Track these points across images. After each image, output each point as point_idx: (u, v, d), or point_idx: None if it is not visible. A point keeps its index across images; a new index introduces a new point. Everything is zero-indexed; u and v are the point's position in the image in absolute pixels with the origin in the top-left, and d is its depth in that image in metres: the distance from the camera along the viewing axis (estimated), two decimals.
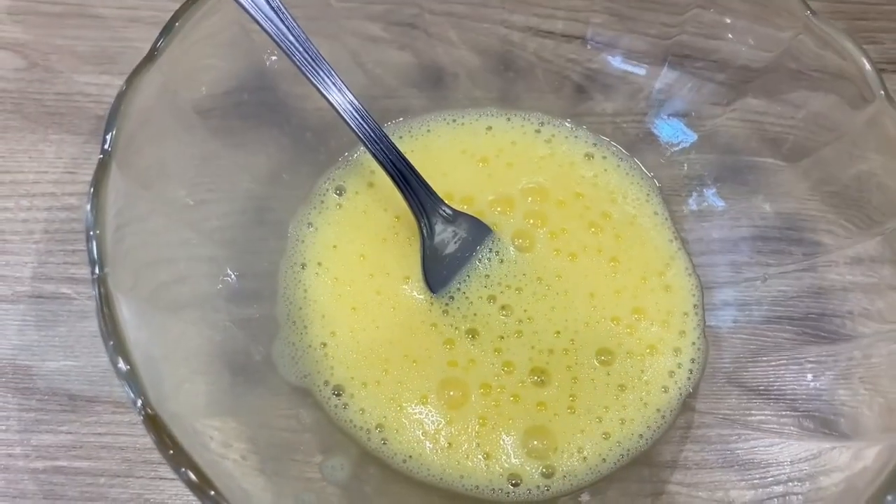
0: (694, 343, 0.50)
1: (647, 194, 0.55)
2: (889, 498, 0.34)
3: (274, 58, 0.49)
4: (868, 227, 0.46)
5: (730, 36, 0.50)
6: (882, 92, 0.42)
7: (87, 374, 0.49)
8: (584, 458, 0.47)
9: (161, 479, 0.46)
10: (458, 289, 0.51)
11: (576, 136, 0.56)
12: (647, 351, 0.50)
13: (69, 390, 0.48)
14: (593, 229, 0.53)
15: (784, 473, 0.44)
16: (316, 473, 0.45)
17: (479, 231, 0.51)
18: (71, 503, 0.46)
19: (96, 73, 0.58)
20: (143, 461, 0.47)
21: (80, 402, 0.48)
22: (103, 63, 0.58)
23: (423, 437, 0.47)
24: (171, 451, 0.32)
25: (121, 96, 0.38)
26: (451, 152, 0.55)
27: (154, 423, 0.33)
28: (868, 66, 0.42)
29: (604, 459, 0.47)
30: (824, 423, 0.45)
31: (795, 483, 0.43)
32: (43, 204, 0.53)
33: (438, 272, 0.50)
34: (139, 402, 0.33)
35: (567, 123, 0.57)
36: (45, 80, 0.57)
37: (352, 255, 0.51)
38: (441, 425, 0.47)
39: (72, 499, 0.46)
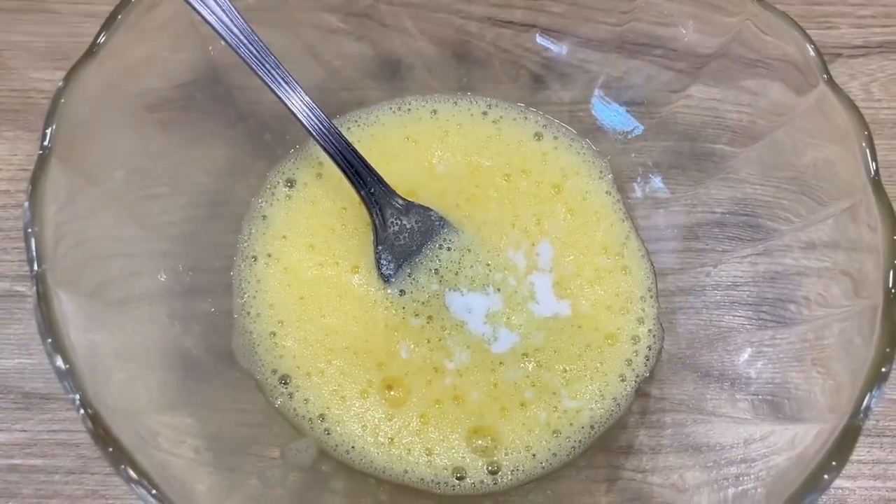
0: (651, 330, 0.50)
1: (601, 172, 0.54)
2: (833, 462, 0.35)
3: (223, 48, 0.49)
4: (821, 211, 0.46)
5: (680, 21, 0.50)
6: (825, 76, 0.42)
7: (41, 371, 0.48)
8: (533, 455, 0.47)
9: (116, 475, 0.46)
10: (409, 279, 0.50)
11: (525, 118, 0.56)
12: (607, 341, 0.50)
13: (23, 388, 0.48)
14: (543, 204, 0.53)
15: (738, 455, 0.44)
16: (274, 464, 0.45)
17: (431, 221, 0.51)
18: (26, 501, 0.46)
19: (51, 70, 0.57)
20: (99, 457, 0.46)
21: (35, 400, 0.48)
22: (59, 59, 0.57)
23: (363, 432, 0.47)
24: (111, 448, 0.32)
25: (60, 92, 0.38)
26: (395, 140, 0.54)
27: (93, 420, 0.32)
28: (811, 52, 0.42)
29: (554, 454, 0.47)
30: (778, 405, 0.45)
31: (749, 464, 0.43)
32: None
33: (390, 262, 0.50)
34: (77, 399, 0.32)
35: (517, 105, 0.56)
36: None
37: (301, 245, 0.51)
38: (381, 420, 0.47)
39: (26, 497, 0.46)
